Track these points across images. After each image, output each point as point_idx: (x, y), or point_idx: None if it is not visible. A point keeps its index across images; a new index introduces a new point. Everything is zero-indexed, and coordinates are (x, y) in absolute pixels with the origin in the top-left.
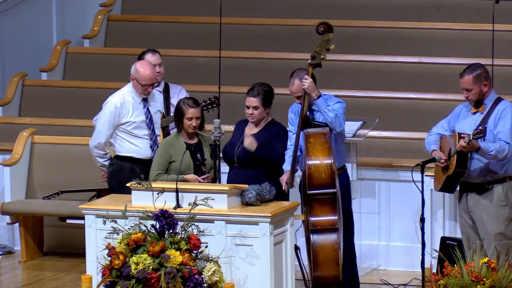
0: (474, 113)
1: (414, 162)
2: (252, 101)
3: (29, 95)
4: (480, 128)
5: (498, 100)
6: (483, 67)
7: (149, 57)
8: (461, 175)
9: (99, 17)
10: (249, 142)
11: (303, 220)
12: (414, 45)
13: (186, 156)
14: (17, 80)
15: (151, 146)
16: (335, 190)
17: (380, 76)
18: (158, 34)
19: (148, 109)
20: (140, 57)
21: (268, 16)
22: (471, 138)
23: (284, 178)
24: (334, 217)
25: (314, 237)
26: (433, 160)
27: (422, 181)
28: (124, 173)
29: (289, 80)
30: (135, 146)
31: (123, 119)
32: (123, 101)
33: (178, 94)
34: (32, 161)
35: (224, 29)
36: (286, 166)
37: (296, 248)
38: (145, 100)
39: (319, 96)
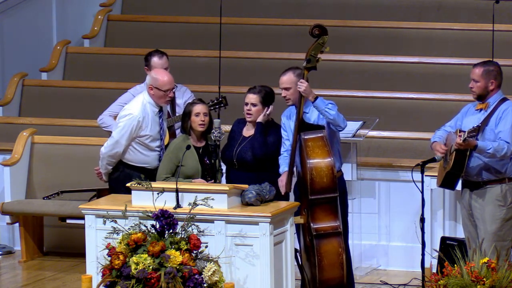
0: (479, 110)
1: (414, 162)
2: (252, 97)
3: (29, 95)
4: (474, 127)
5: (502, 100)
6: (497, 66)
7: (156, 59)
8: (457, 176)
9: (99, 17)
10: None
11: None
12: (414, 45)
13: (195, 161)
14: (17, 80)
15: (159, 156)
16: (337, 194)
17: (380, 76)
18: (158, 34)
19: (163, 119)
20: (147, 57)
21: (268, 16)
22: (466, 136)
23: (283, 179)
24: (337, 221)
25: (318, 242)
26: (433, 160)
27: (422, 181)
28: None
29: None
30: (147, 158)
31: (143, 132)
32: (144, 114)
33: (183, 94)
34: (32, 161)
35: (224, 29)
36: (284, 168)
37: (296, 251)
38: (160, 110)
39: (316, 98)
